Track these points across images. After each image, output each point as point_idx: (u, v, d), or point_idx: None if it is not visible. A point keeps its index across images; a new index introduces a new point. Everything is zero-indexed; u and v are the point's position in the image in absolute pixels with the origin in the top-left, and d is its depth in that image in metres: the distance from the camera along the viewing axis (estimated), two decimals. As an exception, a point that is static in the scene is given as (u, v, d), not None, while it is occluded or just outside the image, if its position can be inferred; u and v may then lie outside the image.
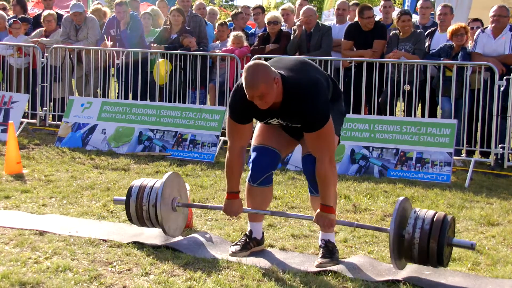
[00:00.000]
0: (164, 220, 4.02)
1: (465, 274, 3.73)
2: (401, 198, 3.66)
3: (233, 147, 3.84)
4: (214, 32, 9.16)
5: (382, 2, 8.77)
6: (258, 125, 4.04)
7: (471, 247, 3.56)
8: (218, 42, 8.83)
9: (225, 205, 3.99)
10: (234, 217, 4.14)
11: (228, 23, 9.14)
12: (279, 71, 3.59)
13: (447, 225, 3.51)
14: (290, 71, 3.64)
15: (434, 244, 3.46)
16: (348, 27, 8.14)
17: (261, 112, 3.67)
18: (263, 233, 4.13)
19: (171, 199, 4.11)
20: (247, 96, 3.53)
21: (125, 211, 4.22)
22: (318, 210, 3.77)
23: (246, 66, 3.58)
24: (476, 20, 8.33)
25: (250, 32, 9.10)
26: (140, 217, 4.09)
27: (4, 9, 10.49)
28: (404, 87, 7.27)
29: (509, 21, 7.37)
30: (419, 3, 9.04)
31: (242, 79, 3.53)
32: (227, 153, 3.89)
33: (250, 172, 3.96)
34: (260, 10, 9.53)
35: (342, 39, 8.02)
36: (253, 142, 4.01)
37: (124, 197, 4.20)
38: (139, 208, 4.06)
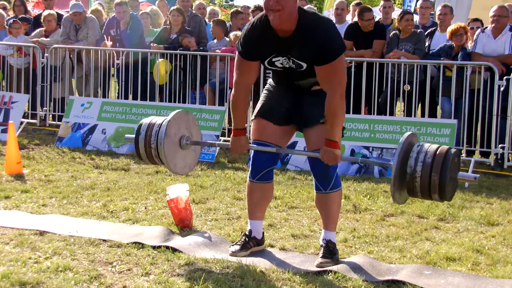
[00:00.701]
0: (169, 158, 3.96)
1: (465, 274, 3.73)
2: (408, 132, 3.61)
3: (239, 83, 3.85)
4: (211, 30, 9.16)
5: (382, 2, 8.77)
6: (253, 118, 4.01)
7: (474, 179, 3.54)
8: (215, 40, 8.82)
9: (232, 142, 3.96)
10: (241, 154, 4.12)
11: (225, 22, 9.09)
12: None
13: (450, 158, 3.44)
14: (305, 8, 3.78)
15: (436, 177, 3.40)
16: (347, 27, 8.15)
17: (270, 47, 3.69)
18: (263, 233, 4.13)
19: (178, 136, 4.05)
20: (264, 5, 3.56)
21: (123, 211, 4.23)
22: (324, 146, 3.71)
23: None
24: (476, 20, 8.33)
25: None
26: (149, 155, 4.03)
27: (4, 8, 10.49)
28: (404, 87, 7.27)
29: (509, 21, 7.37)
30: (418, 3, 9.06)
31: None
32: (233, 90, 3.89)
33: (250, 168, 3.97)
34: (259, 11, 9.51)
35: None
36: (252, 137, 4.00)
37: (133, 135, 4.15)
38: (148, 146, 4.00)
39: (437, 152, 3.46)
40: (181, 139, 4.08)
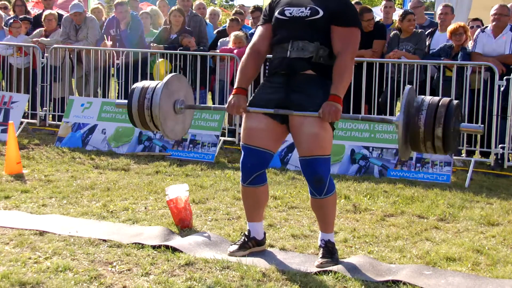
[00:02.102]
0: (163, 114, 3.89)
1: (465, 274, 3.73)
2: (408, 86, 3.58)
3: (251, 47, 3.93)
4: (214, 33, 9.16)
5: (383, 2, 8.76)
6: (245, 119, 3.89)
7: (479, 128, 3.58)
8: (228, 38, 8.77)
9: (229, 101, 3.86)
10: (238, 114, 4.01)
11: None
12: None
13: (452, 109, 3.44)
14: None
15: (439, 128, 3.40)
16: None
17: None
18: (264, 233, 4.11)
19: (172, 100, 3.98)
20: None
21: (123, 211, 4.23)
22: (327, 100, 3.66)
23: None
24: (476, 19, 8.33)
25: (249, 32, 9.09)
26: (143, 118, 3.94)
27: (5, 8, 10.50)
28: (405, 87, 7.26)
29: (509, 21, 7.37)
30: (409, 4, 9.05)
31: None
32: (244, 54, 3.93)
33: (241, 173, 3.94)
34: (259, 12, 9.52)
35: None
36: (241, 140, 3.93)
37: (124, 101, 4.11)
38: (141, 109, 3.92)
39: (439, 103, 3.45)
40: (175, 103, 4.00)
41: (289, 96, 3.77)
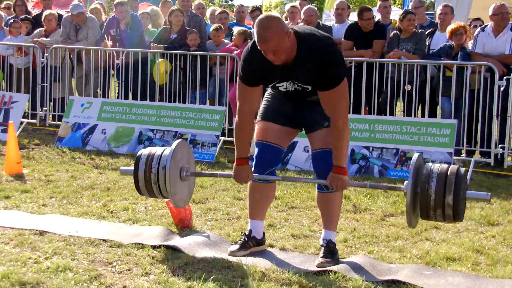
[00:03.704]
0: (172, 187, 3.90)
1: (465, 274, 3.73)
2: (416, 154, 3.60)
3: (242, 110, 3.79)
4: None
5: (379, 3, 8.74)
6: (257, 121, 4.00)
7: (486, 197, 3.56)
8: (211, 41, 8.81)
9: (235, 172, 3.92)
10: (244, 183, 4.03)
11: (222, 27, 9.03)
12: (292, 28, 3.58)
13: (462, 177, 3.46)
14: (301, 28, 3.66)
15: (450, 197, 3.41)
16: (348, 27, 8.15)
17: (271, 73, 3.65)
18: (264, 233, 4.13)
19: (180, 166, 4.00)
20: (261, 50, 3.49)
21: (123, 211, 4.23)
22: (331, 172, 3.71)
23: (257, 19, 3.49)
24: (477, 19, 8.33)
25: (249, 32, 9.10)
26: (148, 180, 3.93)
27: (9, 8, 10.51)
28: (406, 87, 7.27)
29: (510, 20, 7.37)
30: (410, 4, 9.05)
31: (254, 33, 3.48)
32: (236, 117, 3.85)
33: (253, 168, 3.96)
34: (258, 11, 9.54)
35: (342, 39, 8.03)
36: (255, 137, 4.00)
37: (130, 168, 4.11)
38: (148, 171, 3.92)
39: (449, 172, 3.47)
40: (181, 171, 4.03)
41: (302, 112, 3.86)
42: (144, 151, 4.05)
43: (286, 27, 3.48)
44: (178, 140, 4.07)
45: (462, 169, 3.53)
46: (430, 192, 3.45)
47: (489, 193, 3.59)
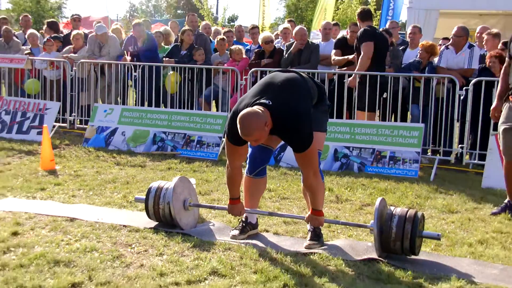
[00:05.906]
0: (177, 215, 4.03)
1: (429, 254, 3.79)
2: (379, 199, 3.68)
3: (233, 165, 3.76)
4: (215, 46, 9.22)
5: (348, 28, 8.38)
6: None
7: (437, 237, 3.63)
8: (217, 53, 8.87)
9: (229, 209, 3.99)
10: (238, 216, 4.14)
11: (225, 39, 9.07)
12: (268, 100, 3.45)
13: (418, 220, 3.56)
14: (278, 98, 3.49)
15: (407, 239, 3.51)
16: (337, 40, 8.21)
17: None
18: (257, 219, 4.18)
19: (182, 199, 4.11)
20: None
21: (141, 204, 4.26)
22: (309, 213, 3.81)
23: (239, 116, 3.36)
24: (446, 38, 8.40)
25: (246, 48, 9.14)
26: (157, 212, 4.09)
27: (76, 20, 10.53)
28: (384, 95, 7.33)
29: (468, 40, 7.43)
30: (387, 24, 9.06)
31: (238, 127, 3.37)
32: (228, 168, 3.80)
33: (247, 165, 4.01)
34: (257, 29, 9.58)
35: (333, 49, 8.05)
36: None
37: (143, 196, 4.21)
38: (157, 206, 4.08)
39: (407, 216, 3.57)
40: (185, 203, 4.13)
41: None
42: (153, 185, 4.17)
43: (264, 118, 3.36)
44: (178, 177, 4.17)
45: (419, 214, 3.62)
46: (392, 226, 3.55)
47: (440, 234, 3.65)
